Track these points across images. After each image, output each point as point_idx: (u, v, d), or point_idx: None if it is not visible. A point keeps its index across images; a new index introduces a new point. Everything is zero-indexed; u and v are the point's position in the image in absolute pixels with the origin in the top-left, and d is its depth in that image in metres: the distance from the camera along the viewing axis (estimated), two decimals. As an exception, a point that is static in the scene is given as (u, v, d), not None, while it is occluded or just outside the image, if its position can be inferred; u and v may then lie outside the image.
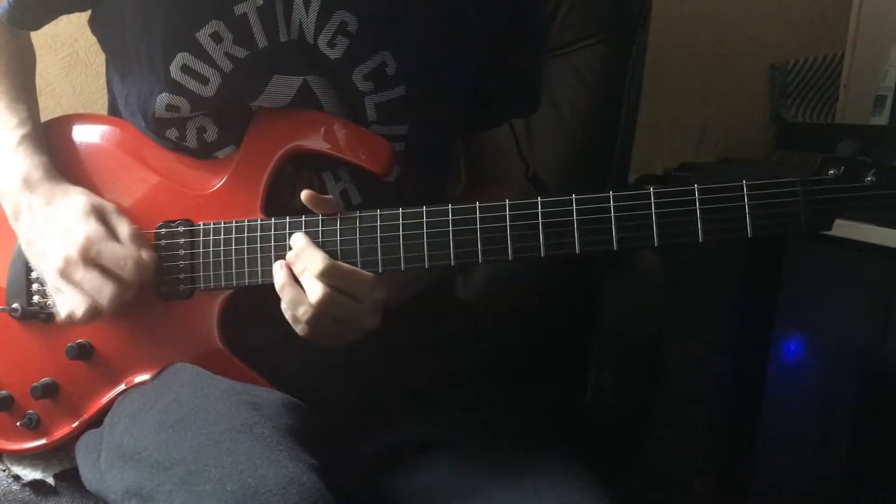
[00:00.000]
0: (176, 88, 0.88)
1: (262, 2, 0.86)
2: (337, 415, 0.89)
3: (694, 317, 1.63)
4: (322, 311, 0.81)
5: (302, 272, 0.82)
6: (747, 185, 0.76)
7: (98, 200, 0.90)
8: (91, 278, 0.86)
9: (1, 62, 0.98)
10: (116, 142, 0.97)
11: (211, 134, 0.92)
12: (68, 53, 1.46)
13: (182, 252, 0.90)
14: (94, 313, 0.87)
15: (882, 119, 1.71)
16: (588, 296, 1.35)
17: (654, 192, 0.78)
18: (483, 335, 1.10)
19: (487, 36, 0.96)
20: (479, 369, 1.00)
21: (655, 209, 0.78)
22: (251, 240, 0.87)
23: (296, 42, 0.88)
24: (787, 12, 1.85)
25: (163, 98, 0.89)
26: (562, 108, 1.39)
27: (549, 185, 1.18)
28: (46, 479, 0.95)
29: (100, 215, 0.88)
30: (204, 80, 0.87)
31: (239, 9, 0.86)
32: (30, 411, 0.94)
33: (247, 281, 0.87)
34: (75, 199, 0.89)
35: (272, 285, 0.84)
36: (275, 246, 0.86)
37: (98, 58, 1.45)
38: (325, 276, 0.81)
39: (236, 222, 0.88)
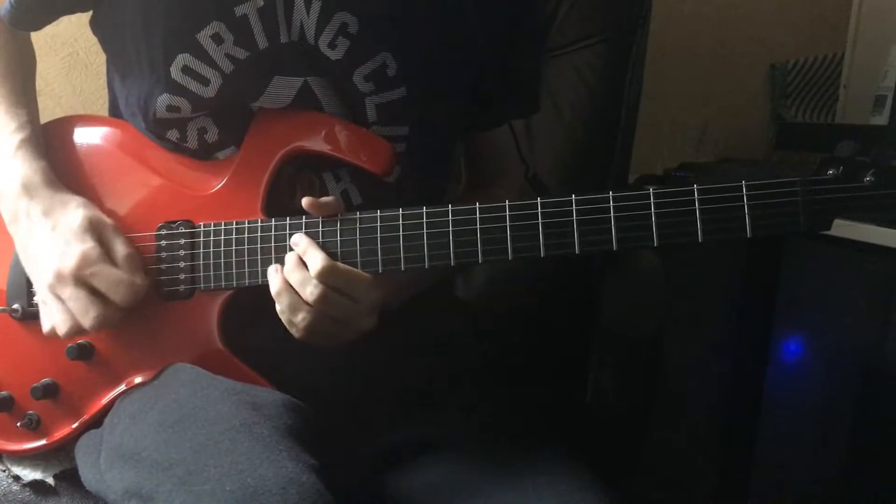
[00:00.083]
0: (176, 89, 0.88)
1: (262, 3, 0.86)
2: (337, 415, 0.89)
3: (694, 317, 1.63)
4: (319, 310, 0.81)
5: (301, 278, 0.82)
6: (747, 186, 0.77)
7: (97, 215, 0.89)
8: (78, 298, 0.86)
9: (1, 65, 0.98)
10: (117, 143, 0.97)
11: (212, 135, 0.92)
12: (68, 53, 1.46)
13: (182, 252, 0.90)
14: (75, 332, 0.87)
15: (882, 119, 1.71)
16: (588, 296, 1.35)
17: (653, 193, 0.78)
18: (483, 335, 1.10)
19: (487, 36, 0.96)
20: (479, 369, 1.00)
21: (655, 209, 0.78)
22: (251, 240, 0.87)
23: (296, 43, 0.88)
24: (787, 12, 1.85)
25: (163, 99, 0.89)
26: (562, 108, 1.39)
27: (549, 186, 1.18)
28: (46, 480, 0.95)
29: (97, 232, 0.88)
30: (205, 81, 0.87)
31: (240, 10, 0.86)
32: (30, 412, 0.94)
33: (247, 281, 0.87)
34: (74, 213, 0.88)
35: (272, 286, 0.84)
36: (275, 247, 0.86)
37: (98, 58, 1.45)
38: (324, 276, 0.81)
39: (237, 223, 0.88)
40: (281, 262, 0.84)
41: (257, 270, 0.87)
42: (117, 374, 0.92)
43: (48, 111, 1.01)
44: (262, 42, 0.87)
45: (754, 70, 1.86)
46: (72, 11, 0.98)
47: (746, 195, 0.76)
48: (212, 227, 0.89)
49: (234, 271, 0.88)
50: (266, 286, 0.84)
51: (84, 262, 0.85)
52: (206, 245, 0.89)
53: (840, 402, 1.50)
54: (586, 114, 1.40)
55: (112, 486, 0.82)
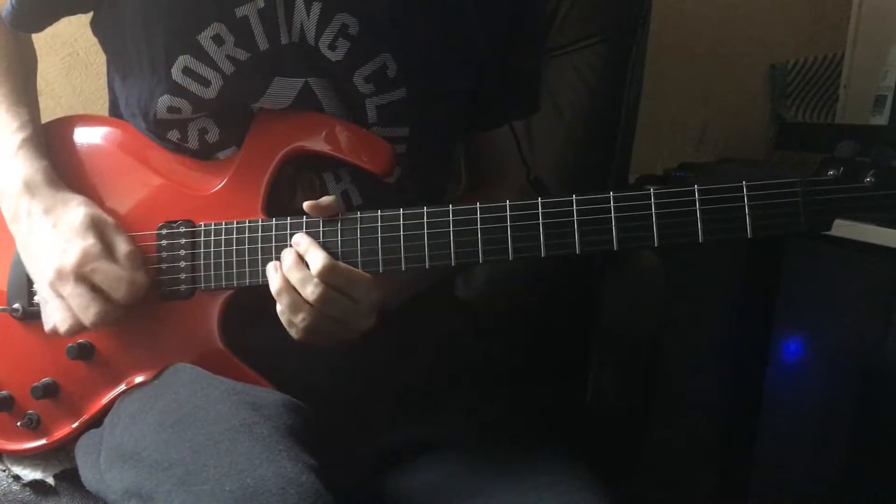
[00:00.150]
0: (177, 90, 0.88)
1: (263, 4, 0.86)
2: (337, 415, 0.89)
3: (694, 317, 1.63)
4: (320, 310, 0.81)
5: (302, 277, 0.82)
6: (747, 186, 0.77)
7: (98, 213, 0.89)
8: (79, 294, 0.86)
9: (2, 65, 0.98)
10: (117, 143, 0.97)
11: (212, 135, 0.92)
12: (68, 53, 1.46)
13: (183, 252, 0.90)
14: (77, 329, 0.87)
15: (882, 119, 1.71)
16: (588, 296, 1.35)
17: (654, 193, 0.78)
18: (483, 335, 1.10)
19: (487, 36, 0.96)
20: (479, 369, 1.00)
21: (655, 209, 0.78)
22: (252, 240, 0.87)
23: (297, 44, 0.88)
24: (787, 12, 1.85)
25: (164, 100, 0.89)
26: (562, 108, 1.39)
27: (549, 186, 1.18)
28: (46, 479, 0.95)
29: (98, 230, 0.88)
30: (205, 82, 0.88)
31: (240, 11, 0.86)
32: (30, 411, 0.94)
33: (247, 281, 0.87)
34: (75, 211, 0.88)
35: (272, 286, 0.84)
36: (275, 246, 0.86)
37: (98, 58, 1.45)
38: (325, 275, 0.81)
39: (237, 223, 0.88)
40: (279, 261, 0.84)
41: (258, 270, 0.87)
42: (117, 373, 0.92)
43: (48, 111, 1.01)
44: (262, 43, 0.87)
45: (754, 70, 1.86)
46: (72, 12, 0.99)
47: (747, 195, 0.76)
48: (212, 227, 0.89)
49: (234, 271, 0.88)
50: (266, 286, 0.84)
51: (85, 258, 0.86)
52: (207, 245, 0.89)
53: (840, 402, 1.50)
54: (586, 114, 1.40)
55: (112, 485, 0.82)
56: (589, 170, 1.41)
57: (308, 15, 0.87)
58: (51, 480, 0.95)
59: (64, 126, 0.99)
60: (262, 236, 0.87)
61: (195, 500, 0.72)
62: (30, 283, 0.94)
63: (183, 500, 0.73)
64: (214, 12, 0.86)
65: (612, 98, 1.40)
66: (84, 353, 0.92)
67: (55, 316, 0.88)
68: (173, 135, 0.92)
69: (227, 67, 0.87)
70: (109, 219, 0.89)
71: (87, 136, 0.98)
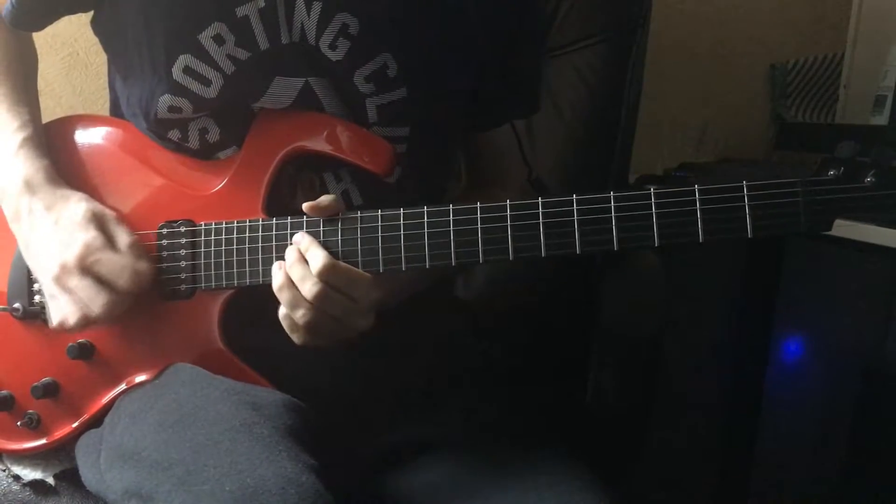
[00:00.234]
0: (178, 90, 0.88)
1: (263, 4, 0.86)
2: (337, 415, 0.89)
3: (694, 317, 1.63)
4: (318, 308, 0.81)
5: (302, 275, 0.82)
6: (747, 186, 0.76)
7: (99, 207, 0.89)
8: (85, 286, 0.86)
9: (3, 64, 0.98)
10: (118, 143, 0.97)
11: (213, 135, 0.92)
12: (68, 53, 1.46)
13: (184, 252, 0.90)
14: (86, 322, 0.87)
15: (882, 119, 1.71)
16: (588, 296, 1.35)
17: (654, 193, 0.78)
18: (483, 335, 1.10)
19: (488, 36, 0.96)
20: (479, 369, 1.00)
21: (656, 209, 0.78)
22: (252, 240, 0.87)
23: (297, 44, 0.88)
24: (787, 12, 1.85)
25: (165, 99, 0.89)
26: (562, 108, 1.39)
27: (549, 186, 1.18)
28: (46, 479, 0.95)
29: (99, 223, 0.88)
30: (206, 82, 0.88)
31: (241, 11, 0.86)
32: (30, 411, 0.94)
33: (248, 281, 0.87)
34: (76, 206, 0.89)
35: (273, 285, 0.84)
36: (276, 246, 0.86)
37: (98, 58, 1.45)
38: (324, 274, 0.81)
39: (238, 222, 0.88)
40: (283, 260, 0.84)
41: (258, 270, 0.87)
42: (118, 373, 0.92)
43: (48, 111, 1.01)
44: (263, 43, 0.87)
45: (754, 70, 1.86)
46: (73, 12, 0.99)
47: (747, 195, 0.76)
48: (213, 227, 0.89)
49: (234, 271, 0.88)
50: (267, 286, 0.84)
51: (87, 250, 0.86)
52: (208, 244, 0.89)
53: (840, 402, 1.50)
54: (586, 114, 1.40)
55: (112, 485, 0.82)
56: (589, 170, 1.41)
57: (308, 14, 0.87)
58: (51, 480, 0.95)
59: (65, 126, 0.99)
60: (262, 236, 0.87)
61: (195, 500, 0.72)
62: (30, 282, 0.94)
63: (183, 500, 0.73)
64: (215, 12, 0.86)
65: (612, 98, 1.40)
66: (84, 352, 0.92)
67: (63, 310, 0.88)
68: (174, 134, 0.92)
69: (228, 67, 0.87)
70: (110, 212, 0.90)
71: (87, 136, 0.98)
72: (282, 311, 0.83)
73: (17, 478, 0.95)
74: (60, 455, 0.97)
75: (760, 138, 1.90)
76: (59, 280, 0.87)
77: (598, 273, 1.35)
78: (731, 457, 1.70)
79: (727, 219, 0.77)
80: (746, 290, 1.66)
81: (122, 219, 0.91)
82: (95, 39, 0.99)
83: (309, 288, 0.81)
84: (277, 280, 0.83)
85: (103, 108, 1.06)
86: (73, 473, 0.94)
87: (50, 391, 0.93)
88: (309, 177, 0.92)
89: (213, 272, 0.89)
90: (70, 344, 0.91)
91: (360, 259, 0.83)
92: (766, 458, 1.66)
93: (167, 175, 0.93)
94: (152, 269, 0.89)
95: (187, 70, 0.87)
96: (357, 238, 0.84)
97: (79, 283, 0.86)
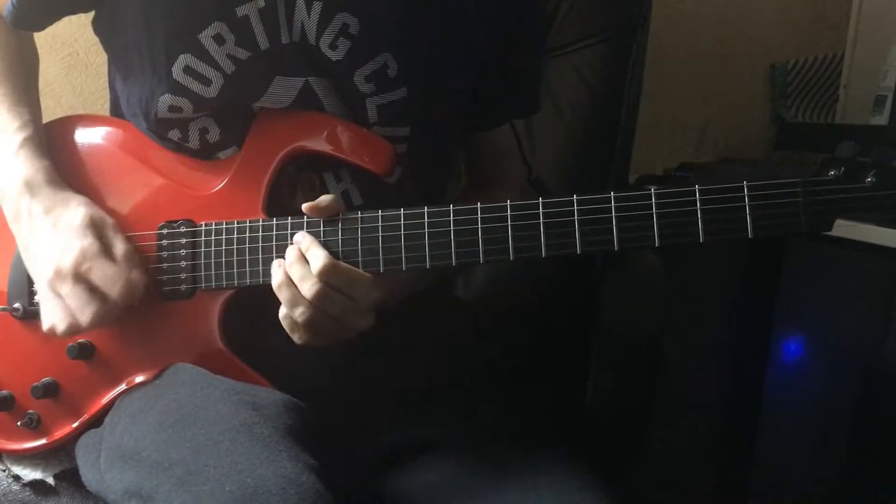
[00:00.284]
0: (178, 90, 0.88)
1: (263, 3, 0.86)
2: (337, 415, 0.89)
3: (694, 317, 1.63)
4: (318, 307, 0.81)
5: (302, 274, 0.82)
6: (748, 186, 0.76)
7: (98, 213, 0.89)
8: (77, 294, 0.86)
9: (4, 64, 0.98)
10: (118, 143, 0.97)
11: (213, 135, 0.92)
12: (68, 53, 1.46)
13: (184, 252, 0.90)
14: (74, 329, 0.87)
15: (882, 119, 1.71)
16: (588, 296, 1.35)
17: (655, 193, 0.78)
18: (483, 335, 1.10)
19: (488, 36, 0.96)
20: (479, 369, 1.00)
21: (656, 209, 0.78)
22: (253, 240, 0.87)
23: (297, 44, 0.88)
24: (787, 12, 1.85)
25: (165, 99, 0.89)
26: (562, 108, 1.39)
27: (549, 186, 1.18)
28: (46, 479, 0.95)
29: (97, 230, 0.88)
30: (206, 82, 0.88)
31: (241, 10, 0.86)
32: (30, 411, 0.94)
33: (248, 281, 0.87)
34: (75, 211, 0.88)
35: (273, 285, 0.84)
36: (276, 246, 0.86)
37: (98, 58, 1.45)
38: (324, 274, 0.81)
39: (238, 222, 0.88)
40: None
41: (258, 270, 0.87)
42: (118, 373, 0.92)
43: (49, 111, 1.01)
44: (263, 42, 0.87)
45: (754, 70, 1.86)
46: (73, 12, 0.99)
47: (748, 195, 0.76)
48: (213, 227, 0.89)
49: (235, 271, 0.88)
50: (267, 286, 0.84)
51: (82, 257, 0.86)
52: (208, 244, 0.89)
53: (840, 402, 1.50)
54: (586, 114, 1.40)
55: (112, 485, 0.82)
56: (589, 170, 1.41)
57: (309, 14, 0.87)
58: (51, 480, 0.95)
59: (65, 126, 0.99)
60: (262, 236, 0.87)
61: (195, 500, 0.72)
62: (30, 282, 0.94)
63: (183, 500, 0.73)
64: (215, 11, 0.86)
65: (612, 98, 1.40)
66: (84, 352, 0.91)
67: (53, 316, 0.88)
68: (174, 134, 0.92)
69: (228, 66, 0.87)
70: (109, 218, 0.89)
71: (88, 136, 0.98)
72: (282, 310, 0.83)
73: (17, 478, 0.95)
74: (60, 455, 0.97)
75: (760, 138, 1.90)
76: (53, 285, 0.87)
77: (598, 273, 1.35)
78: (731, 457, 1.70)
79: (728, 219, 0.77)
80: (746, 290, 1.66)
81: (123, 219, 0.91)
82: (95, 39, 0.99)
83: (309, 287, 0.81)
84: (277, 278, 0.83)
85: (103, 108, 1.06)
86: (73, 473, 0.94)
87: (50, 391, 0.93)
88: (309, 177, 0.92)
89: (213, 272, 0.89)
90: (70, 344, 0.91)
91: (360, 259, 0.83)
92: (766, 458, 1.66)
93: (167, 175, 0.93)
94: (146, 280, 0.88)
95: (187, 70, 0.87)
96: (357, 238, 0.84)
97: (71, 291, 0.86)
